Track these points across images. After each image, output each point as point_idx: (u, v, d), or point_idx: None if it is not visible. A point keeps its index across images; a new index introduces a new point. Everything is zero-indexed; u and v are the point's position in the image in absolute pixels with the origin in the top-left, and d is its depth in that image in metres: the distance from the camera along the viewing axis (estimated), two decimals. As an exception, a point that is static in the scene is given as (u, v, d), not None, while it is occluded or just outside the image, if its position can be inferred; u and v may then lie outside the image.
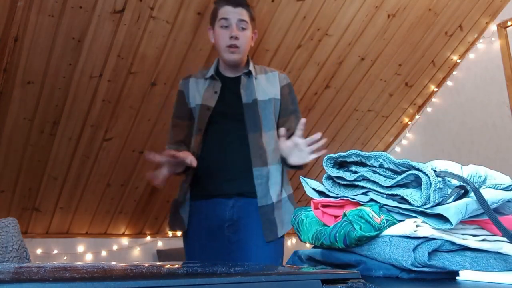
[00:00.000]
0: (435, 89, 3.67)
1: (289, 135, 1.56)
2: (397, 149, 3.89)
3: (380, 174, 0.64)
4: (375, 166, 0.65)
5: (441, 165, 0.63)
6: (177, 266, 0.64)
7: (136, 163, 3.08)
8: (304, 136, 1.47)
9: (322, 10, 2.80)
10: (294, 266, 0.73)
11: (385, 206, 0.64)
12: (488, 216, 0.56)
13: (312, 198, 0.74)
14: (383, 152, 0.63)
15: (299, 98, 3.14)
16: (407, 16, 3.06)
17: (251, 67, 1.67)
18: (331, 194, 0.71)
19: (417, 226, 0.59)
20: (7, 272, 0.47)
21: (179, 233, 3.66)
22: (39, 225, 3.12)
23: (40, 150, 2.76)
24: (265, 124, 1.62)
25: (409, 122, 3.83)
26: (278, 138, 1.61)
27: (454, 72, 3.59)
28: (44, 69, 2.45)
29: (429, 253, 0.57)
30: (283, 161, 1.61)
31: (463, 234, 0.60)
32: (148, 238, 3.55)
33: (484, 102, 3.37)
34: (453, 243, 0.59)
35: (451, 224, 0.55)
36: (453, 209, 0.56)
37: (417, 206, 0.59)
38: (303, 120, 1.43)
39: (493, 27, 3.38)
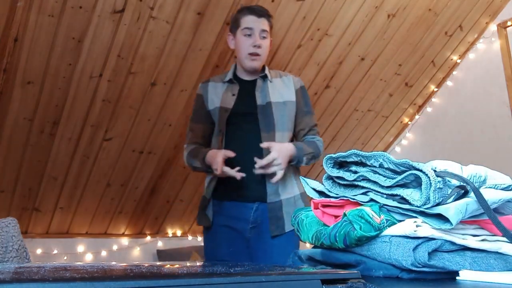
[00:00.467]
0: (435, 89, 3.67)
1: (304, 134, 1.76)
2: (397, 149, 3.89)
3: (380, 174, 0.64)
4: (375, 166, 0.65)
5: (441, 165, 0.63)
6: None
7: (136, 163, 3.08)
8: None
9: (322, 10, 2.80)
10: (294, 266, 0.73)
11: (385, 206, 0.64)
12: (488, 216, 0.56)
13: (312, 198, 0.75)
14: (383, 152, 0.63)
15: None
16: (407, 16, 3.06)
17: (266, 71, 1.78)
18: (331, 194, 0.71)
19: (417, 226, 0.59)
20: (7, 272, 0.47)
21: (179, 233, 3.67)
22: (39, 225, 3.12)
23: (40, 150, 2.76)
24: (279, 125, 1.70)
25: (409, 122, 3.83)
26: (295, 137, 1.78)
27: (454, 72, 3.59)
28: (44, 69, 2.45)
29: (429, 253, 0.57)
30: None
31: (463, 234, 0.60)
32: (148, 238, 3.55)
33: (484, 102, 3.37)
34: (453, 243, 0.59)
35: (451, 224, 0.55)
36: (453, 209, 0.56)
37: (417, 206, 0.59)
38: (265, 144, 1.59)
39: (493, 27, 3.38)
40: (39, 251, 3.12)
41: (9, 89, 2.46)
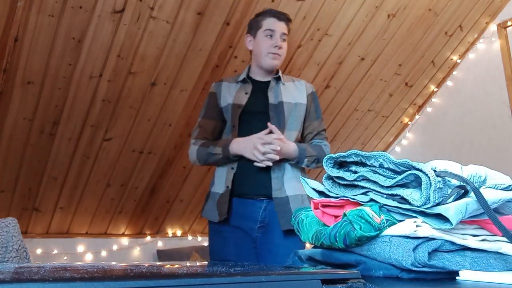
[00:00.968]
0: (435, 89, 3.67)
1: (311, 138, 1.82)
2: (397, 149, 3.89)
3: (380, 174, 0.64)
4: (375, 166, 0.65)
5: (441, 165, 0.63)
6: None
7: (136, 163, 3.08)
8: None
9: (322, 10, 2.80)
10: (294, 266, 0.73)
11: (385, 206, 0.64)
12: (488, 216, 0.56)
13: (312, 198, 0.75)
14: (383, 152, 0.63)
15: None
16: (407, 16, 3.06)
17: (280, 73, 1.86)
18: (331, 194, 0.71)
19: (417, 226, 0.59)
20: (7, 272, 0.47)
21: (179, 233, 3.67)
22: (39, 225, 3.12)
23: (40, 150, 2.76)
24: (289, 124, 1.75)
25: (409, 122, 3.83)
26: (303, 140, 1.84)
27: (454, 72, 3.59)
28: (44, 69, 2.45)
29: (429, 253, 0.57)
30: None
31: (463, 234, 0.60)
32: (148, 238, 3.55)
33: (484, 102, 3.37)
34: (453, 243, 0.59)
35: (451, 224, 0.55)
36: (453, 209, 0.56)
37: (417, 206, 0.59)
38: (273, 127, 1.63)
39: (493, 27, 3.38)
40: (39, 251, 3.12)
41: (9, 89, 2.46)
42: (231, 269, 0.50)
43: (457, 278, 0.57)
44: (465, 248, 0.60)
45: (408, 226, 0.59)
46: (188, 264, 0.73)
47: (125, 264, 0.65)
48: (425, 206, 0.58)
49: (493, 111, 3.30)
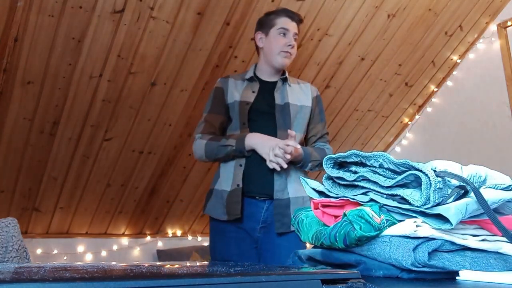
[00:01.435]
0: (435, 89, 3.67)
1: (314, 141, 1.83)
2: (397, 149, 3.89)
3: (380, 174, 0.64)
4: (375, 166, 0.65)
5: (441, 165, 0.63)
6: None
7: (136, 163, 3.08)
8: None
9: (322, 10, 2.80)
10: (294, 266, 0.73)
11: (385, 206, 0.64)
12: (488, 216, 0.56)
13: (312, 198, 0.75)
14: (383, 152, 0.63)
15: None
16: (407, 16, 3.06)
17: (287, 74, 1.87)
18: (331, 194, 0.71)
19: (417, 226, 0.59)
20: (7, 272, 0.47)
21: (179, 233, 3.67)
22: (39, 225, 3.12)
23: (40, 150, 2.76)
24: (295, 125, 1.75)
25: (409, 122, 3.83)
26: (306, 143, 1.84)
27: (454, 72, 3.59)
28: (44, 69, 2.45)
29: (429, 253, 0.57)
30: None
31: (463, 234, 0.60)
32: (148, 238, 3.55)
33: (484, 102, 3.37)
34: (453, 243, 0.59)
35: (451, 224, 0.55)
36: (453, 209, 0.56)
37: (417, 206, 0.59)
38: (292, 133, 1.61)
39: (493, 27, 3.38)
40: (39, 251, 3.12)
41: (9, 89, 2.46)
42: (231, 269, 0.50)
43: (457, 278, 0.57)
44: (465, 248, 0.60)
45: (408, 226, 0.59)
46: (188, 264, 0.73)
47: (125, 264, 0.65)
48: (425, 206, 0.58)
49: (493, 111, 3.30)
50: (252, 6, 2.60)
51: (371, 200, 0.66)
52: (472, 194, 0.58)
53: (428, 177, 0.58)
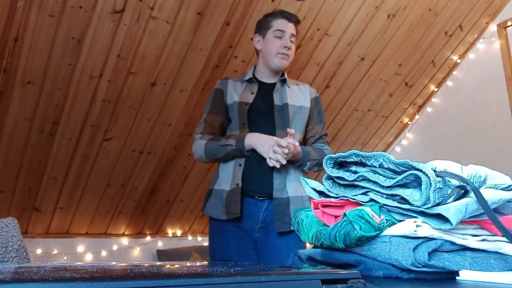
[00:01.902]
0: (435, 89, 3.67)
1: (313, 142, 1.84)
2: (397, 149, 3.89)
3: (380, 174, 0.64)
4: (375, 166, 0.65)
5: (441, 165, 0.63)
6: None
7: (136, 163, 3.08)
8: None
9: (322, 10, 2.80)
10: (294, 266, 0.73)
11: (385, 206, 0.64)
12: (488, 216, 0.56)
13: (312, 198, 0.75)
14: (383, 152, 0.63)
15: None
16: (407, 16, 3.06)
17: (286, 76, 1.87)
18: (331, 194, 0.71)
19: (417, 226, 0.59)
20: (7, 272, 0.47)
21: (179, 233, 3.67)
22: (39, 225, 3.12)
23: (40, 150, 2.76)
24: (293, 125, 1.76)
25: (409, 122, 3.83)
26: (305, 144, 1.85)
27: (454, 72, 3.59)
28: (44, 69, 2.45)
29: (429, 253, 0.57)
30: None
31: (463, 234, 0.60)
32: (148, 238, 3.55)
33: (484, 102, 3.37)
34: (453, 243, 0.59)
35: (451, 224, 0.55)
36: (453, 209, 0.56)
37: (417, 206, 0.59)
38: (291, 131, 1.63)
39: (493, 27, 3.38)
40: (39, 251, 3.12)
41: (9, 89, 2.46)
42: (231, 269, 0.49)
43: (457, 278, 0.57)
44: (465, 248, 0.60)
45: (408, 226, 0.59)
46: (188, 264, 0.73)
47: (125, 264, 0.65)
48: (425, 206, 0.58)
49: (493, 111, 3.30)
50: (252, 6, 2.60)
51: (371, 200, 0.66)
52: (472, 194, 0.58)
53: (428, 177, 0.58)
